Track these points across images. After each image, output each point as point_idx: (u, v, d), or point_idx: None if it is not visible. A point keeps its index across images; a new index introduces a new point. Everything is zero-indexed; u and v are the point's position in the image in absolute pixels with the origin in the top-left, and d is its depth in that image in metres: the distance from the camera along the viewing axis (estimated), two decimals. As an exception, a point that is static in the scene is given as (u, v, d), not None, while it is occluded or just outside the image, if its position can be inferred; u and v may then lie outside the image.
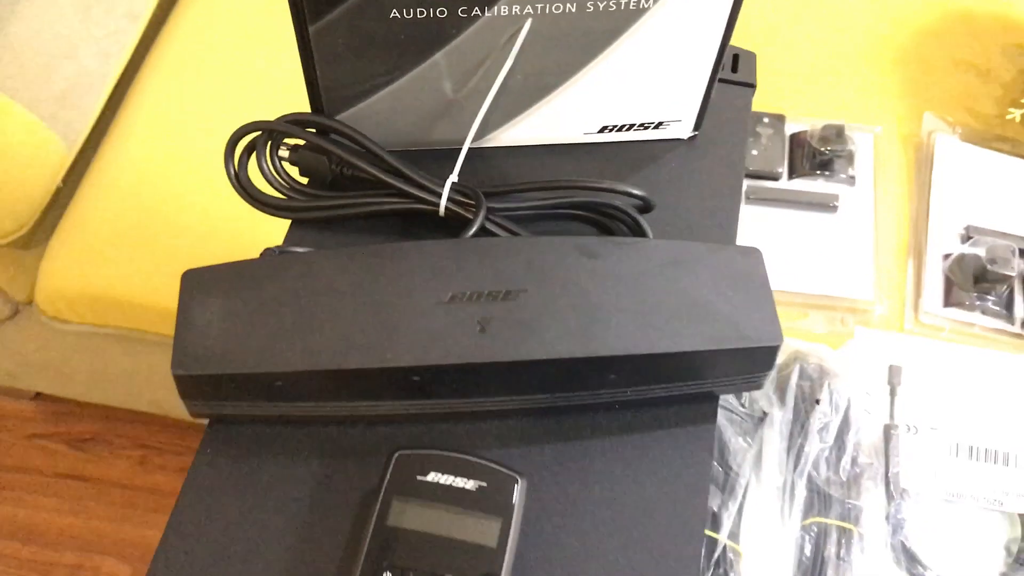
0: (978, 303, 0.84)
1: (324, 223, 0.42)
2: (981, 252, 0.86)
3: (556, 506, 0.35)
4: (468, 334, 0.34)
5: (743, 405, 0.69)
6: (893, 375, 0.71)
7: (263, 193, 0.42)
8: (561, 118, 0.43)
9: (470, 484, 0.33)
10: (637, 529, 0.35)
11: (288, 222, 0.43)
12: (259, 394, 0.35)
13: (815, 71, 1.02)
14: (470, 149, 0.43)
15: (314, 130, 0.42)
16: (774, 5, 1.08)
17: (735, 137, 0.45)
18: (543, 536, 0.34)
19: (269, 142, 0.42)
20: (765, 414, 0.69)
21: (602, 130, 0.44)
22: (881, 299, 0.85)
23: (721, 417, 0.67)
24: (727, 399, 0.68)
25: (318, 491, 0.35)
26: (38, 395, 1.23)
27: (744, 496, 0.65)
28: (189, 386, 0.35)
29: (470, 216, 0.40)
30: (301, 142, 0.42)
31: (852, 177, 0.92)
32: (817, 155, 0.91)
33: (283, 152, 0.42)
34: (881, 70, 1.02)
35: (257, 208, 0.42)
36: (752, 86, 0.47)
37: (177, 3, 1.07)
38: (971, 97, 0.99)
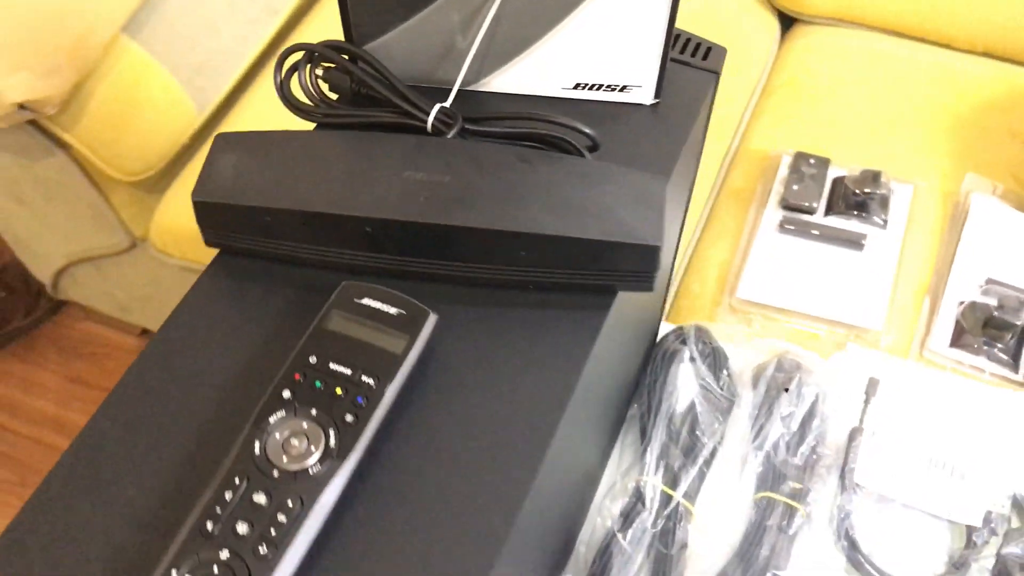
0: (985, 348, 0.88)
1: (340, 128, 0.52)
2: (993, 300, 0.89)
3: (461, 348, 0.43)
4: (412, 201, 0.43)
5: (721, 388, 0.75)
6: (870, 386, 0.76)
7: (298, 100, 0.53)
8: (541, 71, 0.52)
9: (393, 310, 0.42)
10: (512, 383, 0.42)
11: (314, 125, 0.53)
12: (254, 228, 0.45)
13: (871, 127, 1.08)
14: (468, 91, 0.53)
15: (345, 56, 0.53)
16: (844, 61, 1.14)
17: (692, 109, 0.53)
18: (444, 370, 0.43)
19: (309, 63, 0.53)
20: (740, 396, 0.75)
21: (576, 87, 0.53)
22: (890, 331, 0.89)
23: (699, 396, 0.73)
24: (707, 380, 0.74)
25: (287, 313, 0.45)
26: (143, 332, 1.39)
27: (705, 464, 0.71)
28: (203, 212, 0.45)
29: (448, 130, 0.49)
30: (333, 64, 0.53)
31: (885, 221, 0.97)
32: (852, 196, 0.97)
33: (319, 71, 0.53)
34: (935, 133, 1.07)
35: (291, 111, 0.52)
36: (717, 73, 0.55)
37: (312, 8, 1.22)
38: (1020, 166, 1.03)
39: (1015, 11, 1.12)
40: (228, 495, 0.37)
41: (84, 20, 0.92)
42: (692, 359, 0.74)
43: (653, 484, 0.69)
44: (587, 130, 0.49)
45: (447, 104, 0.50)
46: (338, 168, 0.45)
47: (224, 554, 0.36)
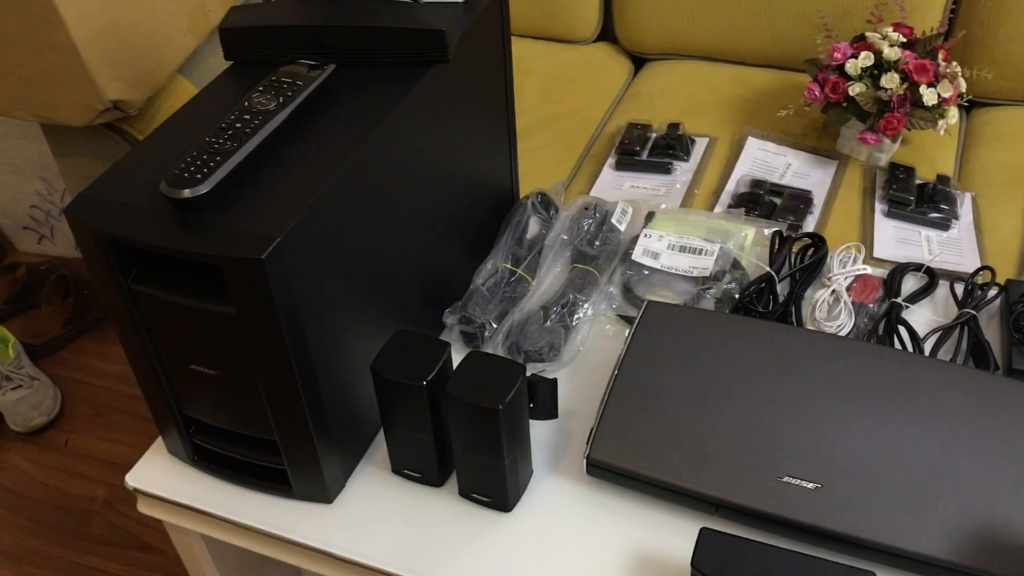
0: (753, 214, 1.25)
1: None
2: (749, 186, 1.28)
3: (346, 91, 0.82)
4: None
5: (551, 217, 1.12)
6: (649, 215, 1.13)
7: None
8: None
9: (312, 62, 0.82)
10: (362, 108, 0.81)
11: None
12: (261, 43, 0.85)
13: (687, 112, 1.49)
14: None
15: None
16: (672, 77, 1.58)
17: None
18: (335, 98, 0.81)
19: None
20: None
21: (424, -7, 0.94)
22: (684, 212, 1.27)
23: (535, 220, 1.10)
24: (541, 212, 1.11)
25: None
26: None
27: (537, 252, 1.07)
28: (226, 36, 0.86)
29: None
30: None
31: (687, 156, 1.37)
32: (662, 141, 1.38)
33: None
34: (730, 111, 1.49)
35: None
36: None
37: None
38: (782, 124, 1.43)
39: (785, 36, 1.56)
40: (232, 118, 0.76)
41: (158, 55, 1.37)
42: (533, 204, 1.12)
43: (503, 265, 1.05)
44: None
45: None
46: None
47: (229, 133, 0.74)
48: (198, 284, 0.72)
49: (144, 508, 0.89)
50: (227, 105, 0.77)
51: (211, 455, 0.87)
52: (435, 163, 0.89)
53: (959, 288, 0.99)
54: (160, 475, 0.87)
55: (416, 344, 0.80)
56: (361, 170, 0.76)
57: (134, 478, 0.87)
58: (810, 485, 0.76)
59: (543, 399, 0.87)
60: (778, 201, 1.26)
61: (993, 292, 0.98)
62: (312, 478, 0.82)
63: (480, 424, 0.76)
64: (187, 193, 0.68)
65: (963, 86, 1.25)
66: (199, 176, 0.69)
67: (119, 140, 1.40)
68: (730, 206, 1.26)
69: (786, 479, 0.77)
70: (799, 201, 1.25)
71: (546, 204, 1.12)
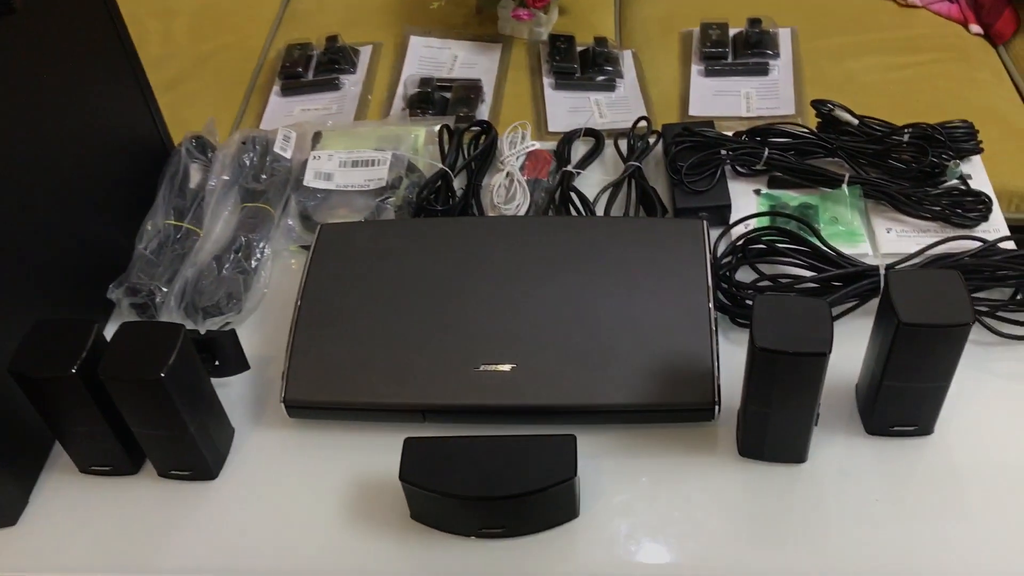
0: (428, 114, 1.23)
1: None
2: (418, 86, 1.26)
3: None
4: None
5: (208, 158, 1.04)
6: (315, 136, 1.08)
7: None
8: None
9: None
10: None
11: None
12: None
13: (355, 19, 1.44)
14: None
15: None
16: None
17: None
18: None
19: None
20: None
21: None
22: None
23: (191, 166, 1.02)
24: (195, 155, 1.03)
25: None
26: None
27: (200, 200, 0.99)
28: None
29: None
30: None
31: (354, 69, 1.33)
32: (324, 57, 1.32)
33: None
34: (390, 13, 1.45)
35: None
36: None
37: None
38: (439, 17, 1.41)
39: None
40: None
41: None
42: (187, 150, 1.04)
43: (165, 222, 0.97)
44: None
45: None
46: None
47: None
48: None
49: None
50: None
51: None
52: (44, 128, 0.79)
53: (623, 144, 1.02)
54: None
55: (59, 331, 0.72)
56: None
57: None
58: (506, 367, 0.76)
59: (227, 354, 0.82)
60: (449, 96, 1.25)
61: (652, 140, 1.02)
62: (-19, 506, 0.73)
63: (148, 398, 0.70)
64: None
65: (598, -54, 1.27)
66: None
67: None
68: (403, 109, 1.24)
69: (482, 367, 0.76)
70: (469, 91, 1.24)
71: (203, 147, 1.04)
